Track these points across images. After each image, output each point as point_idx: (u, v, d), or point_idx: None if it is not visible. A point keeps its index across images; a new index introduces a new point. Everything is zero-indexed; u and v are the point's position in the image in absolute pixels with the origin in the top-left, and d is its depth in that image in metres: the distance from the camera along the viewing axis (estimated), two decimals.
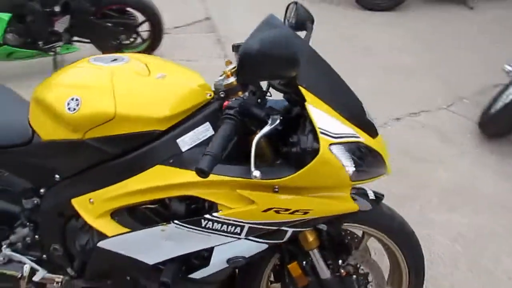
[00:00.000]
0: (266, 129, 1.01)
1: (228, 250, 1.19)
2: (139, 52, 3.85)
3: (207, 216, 1.10)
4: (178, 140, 1.15)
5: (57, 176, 1.30)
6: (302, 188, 1.10)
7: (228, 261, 1.21)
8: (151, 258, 1.23)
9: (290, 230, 1.17)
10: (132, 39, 3.80)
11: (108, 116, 1.10)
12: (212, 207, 1.14)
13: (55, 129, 1.20)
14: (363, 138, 1.10)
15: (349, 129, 1.08)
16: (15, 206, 1.47)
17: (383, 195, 1.40)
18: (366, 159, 1.11)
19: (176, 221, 1.13)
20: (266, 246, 1.19)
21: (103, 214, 1.22)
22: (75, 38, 3.69)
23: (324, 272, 1.32)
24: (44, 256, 1.46)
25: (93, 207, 1.22)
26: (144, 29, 3.82)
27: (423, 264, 1.48)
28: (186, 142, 1.15)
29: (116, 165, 1.19)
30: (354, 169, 1.06)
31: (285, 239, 1.19)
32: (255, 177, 0.95)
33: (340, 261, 1.36)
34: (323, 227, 1.32)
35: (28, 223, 1.44)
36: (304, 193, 1.11)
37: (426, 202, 2.21)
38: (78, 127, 1.15)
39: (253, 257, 1.22)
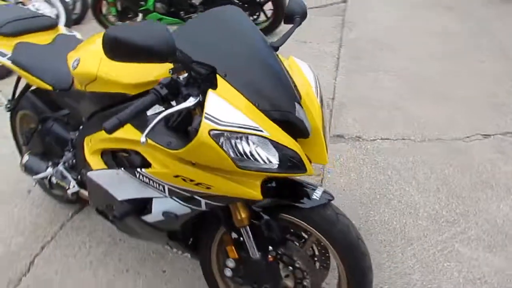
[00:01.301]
0: (178, 107, 1.16)
1: (161, 204, 1.41)
2: (262, 29, 4.15)
3: (138, 169, 1.34)
4: None
5: (83, 117, 1.71)
6: (214, 167, 1.21)
7: (163, 214, 1.43)
8: (117, 194, 1.54)
9: (203, 201, 1.31)
10: (255, 16, 4.11)
11: (91, 77, 1.41)
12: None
13: (75, 80, 1.59)
14: (269, 133, 1.14)
15: (252, 122, 1.12)
16: (69, 135, 1.96)
17: (332, 197, 1.39)
18: (265, 153, 1.15)
19: (122, 168, 1.41)
20: (189, 209, 1.36)
21: (94, 152, 1.56)
22: None
23: (254, 251, 1.41)
24: (79, 177, 1.92)
25: (90, 146, 1.58)
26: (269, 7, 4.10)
27: (365, 283, 1.41)
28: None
29: (102, 115, 1.51)
30: (238, 157, 1.13)
31: (203, 208, 1.33)
32: (143, 142, 1.13)
33: (270, 247, 1.43)
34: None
35: (71, 149, 1.91)
36: (216, 172, 1.21)
37: (461, 232, 1.95)
38: (79, 81, 1.50)
39: (184, 218, 1.41)
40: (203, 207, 1.33)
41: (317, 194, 1.38)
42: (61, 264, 2.08)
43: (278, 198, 1.38)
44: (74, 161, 1.91)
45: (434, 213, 2.07)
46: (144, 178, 1.34)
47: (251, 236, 1.40)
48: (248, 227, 1.39)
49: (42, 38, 2.04)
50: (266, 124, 1.16)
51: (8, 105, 2.07)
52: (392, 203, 2.15)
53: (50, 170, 2.00)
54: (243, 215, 1.38)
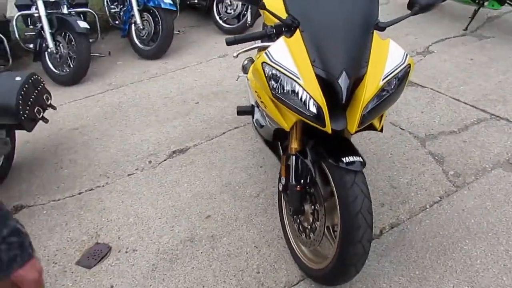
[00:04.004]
0: (266, 43, 1.62)
1: (256, 112, 1.94)
2: None
3: (247, 76, 1.88)
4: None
5: None
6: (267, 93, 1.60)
7: (255, 121, 1.96)
8: (251, 99, 2.14)
9: (267, 118, 1.75)
10: None
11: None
12: None
13: None
14: (304, 82, 1.44)
15: (295, 69, 1.45)
16: None
17: (357, 170, 1.54)
18: (294, 95, 1.46)
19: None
20: (264, 123, 1.83)
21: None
22: None
23: (291, 178, 1.77)
24: None
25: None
26: None
27: (350, 253, 1.55)
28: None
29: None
30: (273, 90, 1.49)
31: (267, 124, 1.78)
32: (233, 56, 1.65)
33: (302, 181, 1.73)
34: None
35: None
36: (270, 98, 1.61)
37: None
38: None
39: (266, 130, 1.89)
40: (268, 124, 1.78)
41: (349, 160, 1.56)
42: (234, 141, 2.95)
43: (320, 146, 1.65)
44: None
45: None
46: (251, 89, 1.89)
47: (293, 164, 1.74)
48: (294, 157, 1.74)
49: None
50: (308, 76, 1.46)
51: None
52: (495, 247, 1.90)
53: None
54: (293, 146, 1.72)
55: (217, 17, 5.03)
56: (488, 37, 4.04)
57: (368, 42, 1.53)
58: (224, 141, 2.97)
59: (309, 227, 1.81)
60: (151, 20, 4.40)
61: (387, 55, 1.54)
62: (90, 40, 4.21)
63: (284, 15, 1.59)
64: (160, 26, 4.32)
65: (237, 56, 1.67)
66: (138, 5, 4.36)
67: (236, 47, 1.78)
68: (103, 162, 2.89)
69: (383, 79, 1.49)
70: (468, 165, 2.42)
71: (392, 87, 1.52)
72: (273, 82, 1.51)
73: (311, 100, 1.46)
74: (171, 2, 4.26)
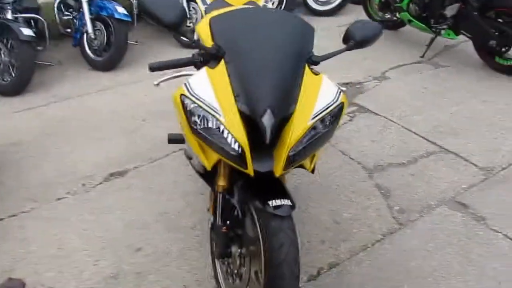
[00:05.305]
0: (189, 72, 1.48)
1: (186, 142, 1.78)
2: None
3: None
4: None
5: None
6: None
7: (184, 151, 1.81)
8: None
9: (195, 155, 1.59)
10: (504, 49, 3.48)
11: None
12: None
13: None
14: (226, 120, 1.31)
15: (217, 105, 1.31)
16: None
17: (285, 215, 1.40)
18: (215, 133, 1.32)
19: None
20: (192, 156, 1.68)
21: None
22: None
23: (217, 217, 1.61)
24: None
25: None
26: None
27: None
28: None
29: None
30: (193, 126, 1.34)
31: (193, 157, 1.63)
32: (154, 84, 1.50)
33: (229, 221, 1.59)
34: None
35: None
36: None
37: None
38: None
39: (194, 163, 1.75)
40: (193, 157, 1.63)
41: (277, 203, 1.42)
42: (176, 164, 2.78)
43: (248, 185, 1.51)
44: None
45: None
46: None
47: (220, 203, 1.60)
48: (221, 195, 1.60)
49: (239, 1, 2.57)
50: (230, 113, 1.32)
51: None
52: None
53: None
54: (220, 183, 1.58)
55: None
56: (443, 66, 4.05)
57: (299, 77, 1.41)
58: (166, 164, 2.80)
59: (235, 271, 1.66)
60: (104, 29, 4.19)
61: (318, 92, 1.42)
62: (39, 48, 3.96)
63: (210, 43, 1.46)
64: (113, 37, 4.12)
65: (158, 84, 1.52)
66: (91, 14, 4.14)
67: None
68: (33, 183, 2.66)
69: (312, 119, 1.37)
70: (413, 201, 2.34)
71: (323, 126, 1.40)
72: (192, 117, 1.36)
73: (233, 140, 1.32)
74: (126, 13, 4.07)
